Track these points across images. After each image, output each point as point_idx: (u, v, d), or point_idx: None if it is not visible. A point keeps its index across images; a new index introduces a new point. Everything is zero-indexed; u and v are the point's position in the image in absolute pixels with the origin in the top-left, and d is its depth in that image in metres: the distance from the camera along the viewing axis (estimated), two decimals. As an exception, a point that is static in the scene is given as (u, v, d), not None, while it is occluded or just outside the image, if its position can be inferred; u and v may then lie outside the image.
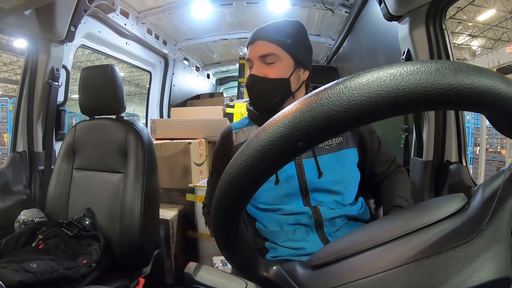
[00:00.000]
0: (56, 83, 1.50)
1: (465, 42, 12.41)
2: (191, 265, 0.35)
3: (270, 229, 0.81)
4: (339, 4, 2.10)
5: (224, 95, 3.56)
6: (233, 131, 0.93)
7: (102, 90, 1.24)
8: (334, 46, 2.74)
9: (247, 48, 0.87)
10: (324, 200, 0.81)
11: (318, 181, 0.81)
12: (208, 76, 4.05)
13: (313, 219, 0.78)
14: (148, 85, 2.93)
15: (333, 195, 0.81)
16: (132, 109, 16.89)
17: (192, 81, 3.54)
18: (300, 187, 0.81)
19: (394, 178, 0.89)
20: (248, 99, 0.91)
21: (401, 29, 1.17)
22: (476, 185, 1.04)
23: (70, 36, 1.47)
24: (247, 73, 0.88)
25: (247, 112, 0.95)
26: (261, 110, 0.87)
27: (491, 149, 7.09)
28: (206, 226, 1.07)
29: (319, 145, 0.83)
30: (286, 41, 0.81)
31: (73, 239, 1.13)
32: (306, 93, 0.86)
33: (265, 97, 0.83)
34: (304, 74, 0.86)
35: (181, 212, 1.73)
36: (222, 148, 0.95)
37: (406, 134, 1.26)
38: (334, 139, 0.84)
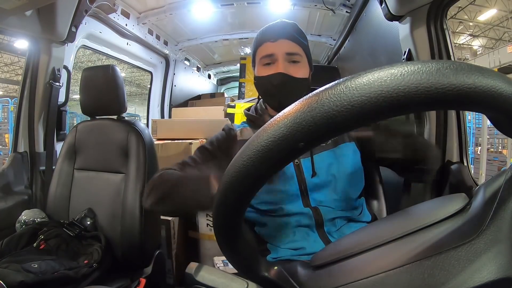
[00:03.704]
0: (57, 84, 1.50)
1: (466, 42, 12.37)
2: (192, 266, 0.35)
3: (270, 232, 0.81)
4: (340, 4, 2.10)
5: (225, 95, 3.56)
6: (236, 128, 0.92)
7: (103, 91, 1.24)
8: (335, 46, 2.74)
9: (258, 47, 0.84)
10: (323, 199, 0.79)
11: (316, 180, 0.80)
12: (209, 76, 4.05)
13: (313, 219, 0.78)
14: (149, 86, 2.94)
15: (332, 193, 0.80)
16: (133, 110, 16.87)
17: (193, 81, 3.54)
18: (300, 187, 0.80)
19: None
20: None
21: (402, 29, 1.16)
22: (477, 185, 1.04)
23: (71, 37, 1.47)
24: (256, 70, 0.85)
25: (245, 118, 0.94)
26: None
27: (492, 149, 7.05)
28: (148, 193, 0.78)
29: None
30: (304, 42, 0.84)
31: (74, 239, 1.13)
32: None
33: (293, 97, 0.76)
34: (310, 75, 0.88)
35: (182, 212, 1.74)
36: (226, 137, 0.90)
37: None
38: None
